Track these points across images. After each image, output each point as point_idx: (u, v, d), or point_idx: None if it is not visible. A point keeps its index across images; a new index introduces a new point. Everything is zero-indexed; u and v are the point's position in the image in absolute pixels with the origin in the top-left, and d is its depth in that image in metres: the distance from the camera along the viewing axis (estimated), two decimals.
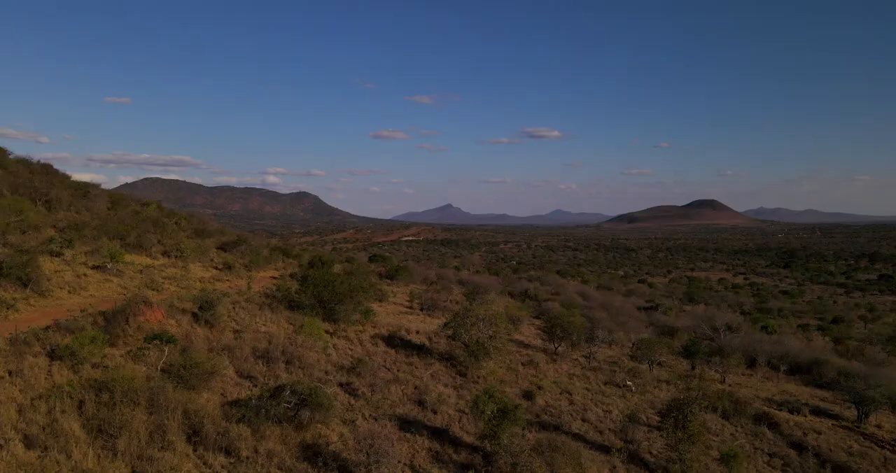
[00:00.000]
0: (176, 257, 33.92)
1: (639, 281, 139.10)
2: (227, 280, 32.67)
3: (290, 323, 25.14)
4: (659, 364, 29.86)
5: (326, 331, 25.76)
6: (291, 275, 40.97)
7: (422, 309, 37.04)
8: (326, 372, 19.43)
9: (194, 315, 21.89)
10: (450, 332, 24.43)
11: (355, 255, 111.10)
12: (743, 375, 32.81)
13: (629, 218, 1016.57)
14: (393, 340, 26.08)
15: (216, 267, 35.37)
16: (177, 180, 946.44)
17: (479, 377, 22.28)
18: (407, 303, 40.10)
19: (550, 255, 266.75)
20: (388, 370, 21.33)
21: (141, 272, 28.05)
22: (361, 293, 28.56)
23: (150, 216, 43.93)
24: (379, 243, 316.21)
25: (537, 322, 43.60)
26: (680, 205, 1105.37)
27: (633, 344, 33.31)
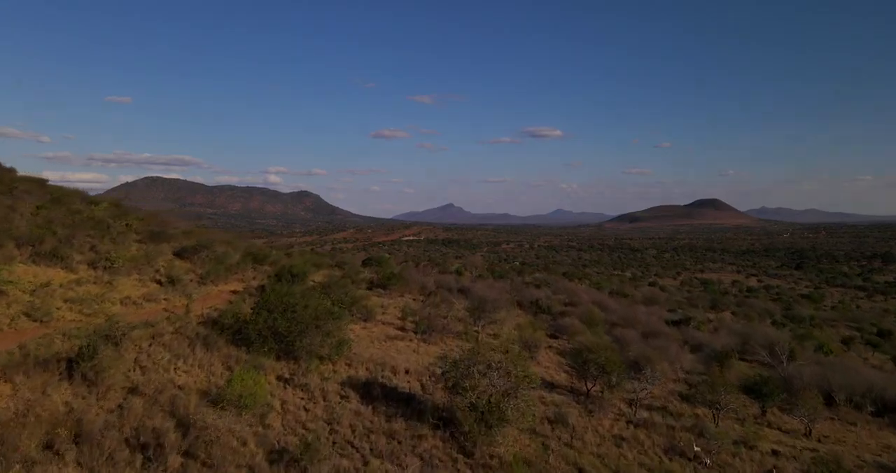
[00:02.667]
0: (104, 269, 26.80)
1: (649, 284, 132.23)
2: (165, 299, 25.54)
3: (228, 368, 18.04)
4: (724, 408, 22.66)
5: (279, 378, 18.64)
6: (260, 288, 33.92)
7: (416, 332, 29.93)
8: (251, 470, 12.28)
9: (69, 365, 14.78)
10: (450, 383, 17.29)
11: (351, 257, 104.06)
12: (824, 420, 25.65)
13: (631, 217, 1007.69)
14: (371, 389, 18.94)
15: (157, 281, 28.25)
16: (177, 179, 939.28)
17: (492, 456, 15.13)
18: (398, 322, 33.02)
19: (554, 256, 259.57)
20: (357, 449, 14.18)
21: (33, 292, 20.90)
22: (333, 320, 21.40)
23: (93, 216, 36.82)
24: (379, 243, 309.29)
25: (555, 344, 36.52)
26: (682, 204, 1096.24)
27: (688, 383, 26.15)
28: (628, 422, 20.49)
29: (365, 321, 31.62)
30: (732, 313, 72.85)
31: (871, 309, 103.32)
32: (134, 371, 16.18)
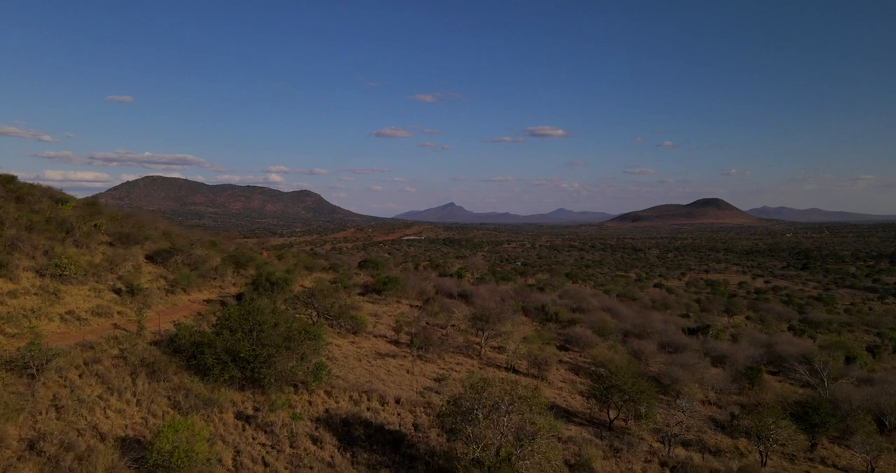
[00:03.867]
0: (54, 277, 23.33)
1: (654, 285, 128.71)
2: (119, 312, 22.08)
3: (174, 405, 14.59)
4: (770, 441, 19.08)
5: (240, 416, 15.18)
6: (238, 296, 30.46)
7: (411, 347, 26.44)
8: None
9: None
10: (448, 426, 13.81)
11: (348, 258, 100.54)
12: (887, 451, 22.10)
13: (633, 217, 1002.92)
14: (352, 428, 15.49)
15: (117, 290, 24.78)
16: (178, 178, 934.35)
17: None
18: (391, 334, 29.53)
19: (556, 256, 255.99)
20: None
21: None
22: (309, 341, 17.94)
23: (56, 217, 33.35)
24: (380, 242, 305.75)
25: (566, 357, 33.02)
26: (683, 203, 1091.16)
27: (718, 405, 22.64)
28: (662, 464, 17.00)
29: (354, 333, 28.17)
30: (747, 318, 69.26)
31: (886, 313, 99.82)
32: (46, 413, 12.75)
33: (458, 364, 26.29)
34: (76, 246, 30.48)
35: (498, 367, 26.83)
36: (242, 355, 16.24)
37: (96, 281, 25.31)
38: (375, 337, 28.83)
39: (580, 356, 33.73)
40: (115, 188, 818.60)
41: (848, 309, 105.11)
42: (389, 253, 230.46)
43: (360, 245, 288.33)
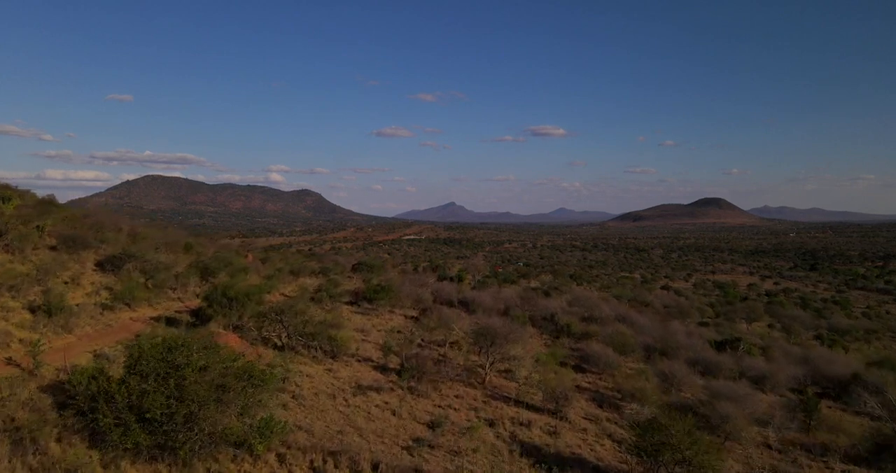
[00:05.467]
0: None
1: (661, 287, 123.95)
2: (22, 340, 17.27)
3: None
4: None
5: None
6: (194, 313, 25.65)
7: (401, 378, 21.64)
8: None
9: None
10: None
11: (343, 259, 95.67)
12: None
13: (634, 216, 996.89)
14: None
15: (32, 309, 20.01)
16: (179, 178, 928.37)
17: None
18: (378, 358, 24.72)
19: (558, 256, 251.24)
20: None
21: None
22: (255, 388, 13.15)
23: None
24: (380, 242, 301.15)
25: (584, 381, 28.20)
26: (685, 203, 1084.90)
27: (780, 450, 17.85)
28: None
29: (333, 357, 23.38)
30: (769, 326, 64.22)
31: None
32: None
33: (457, 396, 21.52)
34: (6, 252, 25.79)
35: (506, 400, 22.06)
36: (150, 415, 11.45)
37: (12, 297, 20.56)
38: (359, 360, 24.03)
39: (600, 379, 28.91)
40: (115, 187, 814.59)
41: (866, 313, 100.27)
42: (389, 254, 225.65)
43: (360, 245, 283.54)
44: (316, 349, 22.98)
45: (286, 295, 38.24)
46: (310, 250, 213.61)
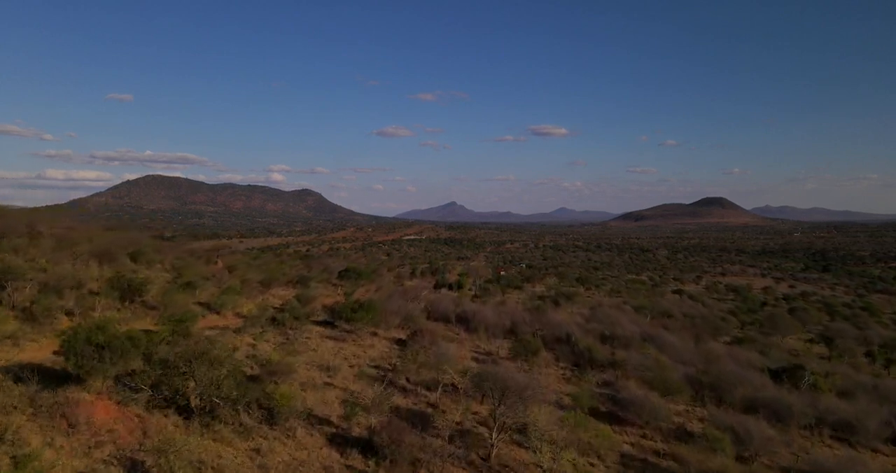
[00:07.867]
0: None
1: (673, 291, 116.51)
2: None
3: None
4: None
5: None
6: (98, 346, 18.56)
7: (366, 451, 14.45)
8: None
9: None
10: None
11: (331, 262, 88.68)
12: None
13: (636, 216, 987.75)
14: None
15: None
16: (179, 178, 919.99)
17: None
18: (339, 422, 17.47)
19: (561, 257, 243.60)
20: None
21: None
22: None
23: None
24: (380, 242, 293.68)
25: (622, 438, 21.04)
26: (686, 203, 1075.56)
27: None
28: None
29: (271, 423, 16.15)
30: (810, 341, 56.39)
31: None
32: None
33: None
34: None
35: None
36: None
37: None
38: (309, 425, 16.77)
39: (644, 436, 21.59)
40: (116, 187, 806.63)
41: (894, 320, 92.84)
42: (388, 254, 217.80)
43: (359, 245, 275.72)
44: (245, 413, 15.74)
45: (241, 316, 31.01)
46: (306, 251, 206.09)
